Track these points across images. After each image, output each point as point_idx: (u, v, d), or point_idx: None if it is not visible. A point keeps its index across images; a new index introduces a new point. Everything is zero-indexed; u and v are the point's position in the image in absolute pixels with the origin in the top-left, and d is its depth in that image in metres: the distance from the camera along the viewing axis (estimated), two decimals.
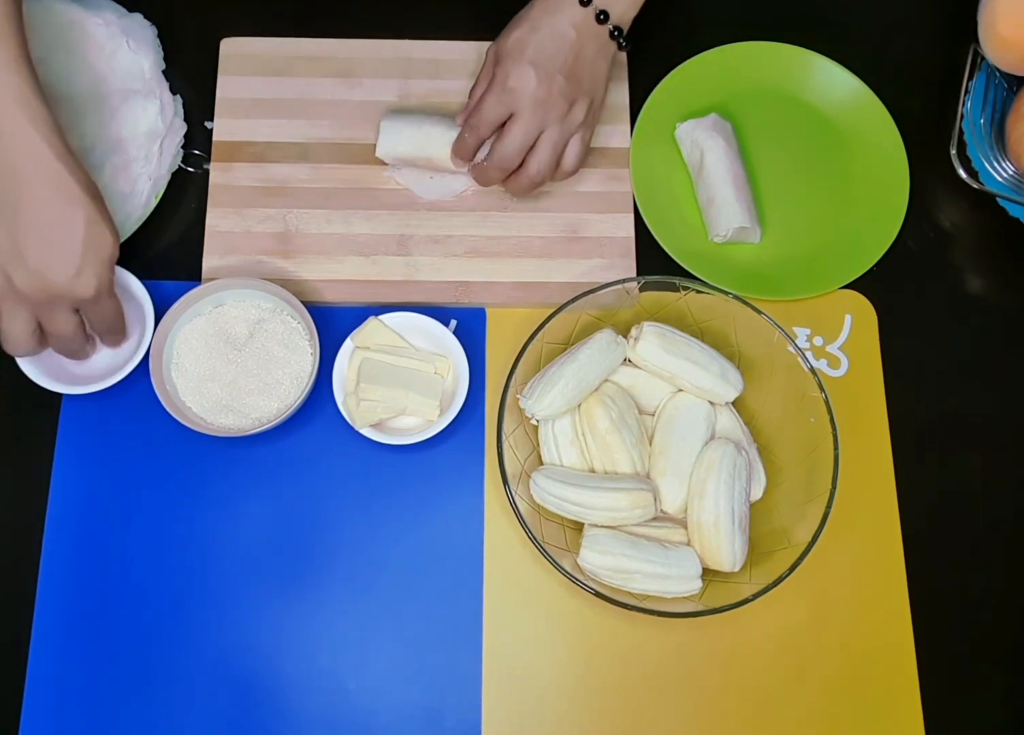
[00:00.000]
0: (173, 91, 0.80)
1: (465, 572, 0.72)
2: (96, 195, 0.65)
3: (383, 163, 0.81)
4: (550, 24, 0.70)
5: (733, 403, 0.74)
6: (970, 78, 0.81)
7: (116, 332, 0.72)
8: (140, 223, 0.78)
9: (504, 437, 0.69)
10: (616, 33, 0.72)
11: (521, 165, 0.74)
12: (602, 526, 0.69)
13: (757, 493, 0.71)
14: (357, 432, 0.72)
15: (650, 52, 0.85)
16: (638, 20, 0.73)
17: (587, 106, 0.73)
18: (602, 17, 0.70)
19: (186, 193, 0.81)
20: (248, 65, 0.83)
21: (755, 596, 0.65)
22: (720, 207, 0.78)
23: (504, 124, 0.72)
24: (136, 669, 0.69)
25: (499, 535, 0.73)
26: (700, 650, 0.71)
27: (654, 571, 0.67)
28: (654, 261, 0.79)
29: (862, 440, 0.76)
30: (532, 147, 0.73)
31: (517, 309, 0.79)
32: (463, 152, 0.75)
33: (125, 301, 0.75)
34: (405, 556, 0.72)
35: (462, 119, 0.75)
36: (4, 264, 0.63)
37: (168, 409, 0.70)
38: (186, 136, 0.80)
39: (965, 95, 0.81)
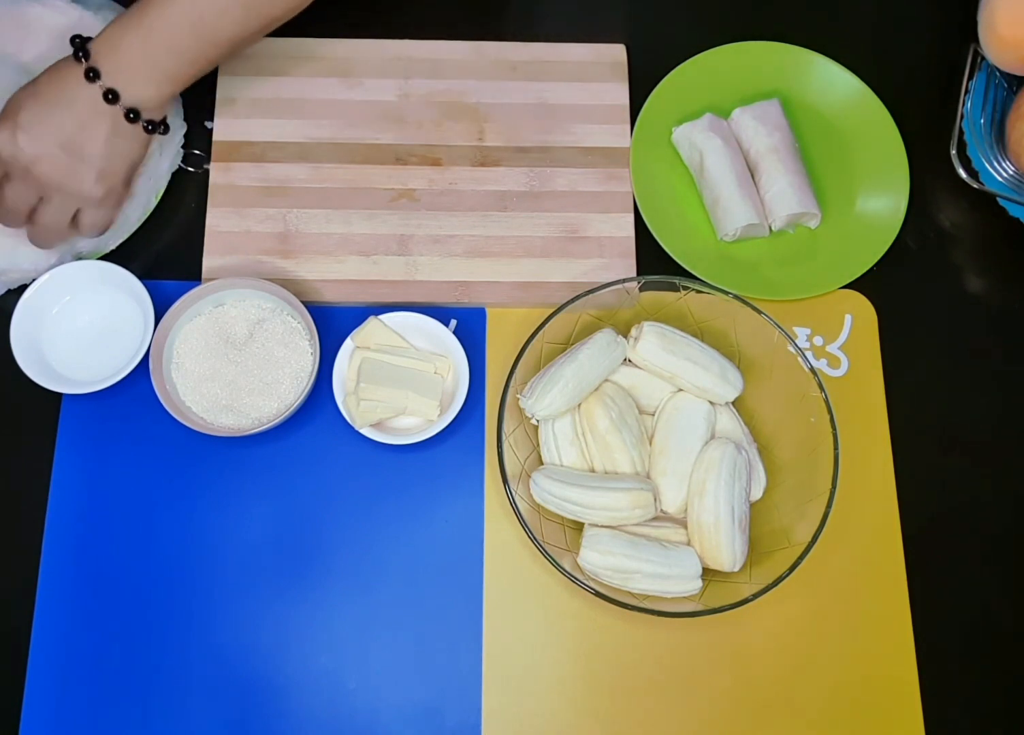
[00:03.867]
0: None
1: (465, 572, 0.72)
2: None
3: (384, 163, 0.81)
4: (58, 96, 0.66)
5: (733, 403, 0.74)
6: (970, 78, 0.81)
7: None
8: (140, 223, 0.78)
9: (504, 437, 0.69)
10: (150, 126, 0.69)
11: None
12: (602, 526, 0.69)
13: (757, 493, 0.71)
14: (357, 432, 0.72)
15: (650, 52, 0.85)
16: None
17: (95, 177, 0.68)
18: (111, 97, 0.66)
19: (186, 193, 0.81)
20: (248, 65, 0.83)
21: (755, 596, 0.65)
22: (726, 207, 0.78)
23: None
24: (136, 669, 0.69)
25: (499, 535, 0.73)
26: (700, 650, 0.71)
27: (654, 571, 0.67)
28: (654, 261, 0.79)
29: (862, 440, 0.76)
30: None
31: (517, 309, 0.79)
32: None
33: (125, 300, 0.75)
34: (405, 556, 0.72)
35: None
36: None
37: (168, 409, 0.70)
38: (186, 136, 0.80)
39: (965, 95, 0.81)
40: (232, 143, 0.81)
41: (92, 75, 0.66)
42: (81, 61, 0.66)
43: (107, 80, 0.66)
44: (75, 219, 0.72)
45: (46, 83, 0.67)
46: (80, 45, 0.67)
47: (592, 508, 0.68)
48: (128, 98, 0.67)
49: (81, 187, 0.68)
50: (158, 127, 0.71)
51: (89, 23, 0.78)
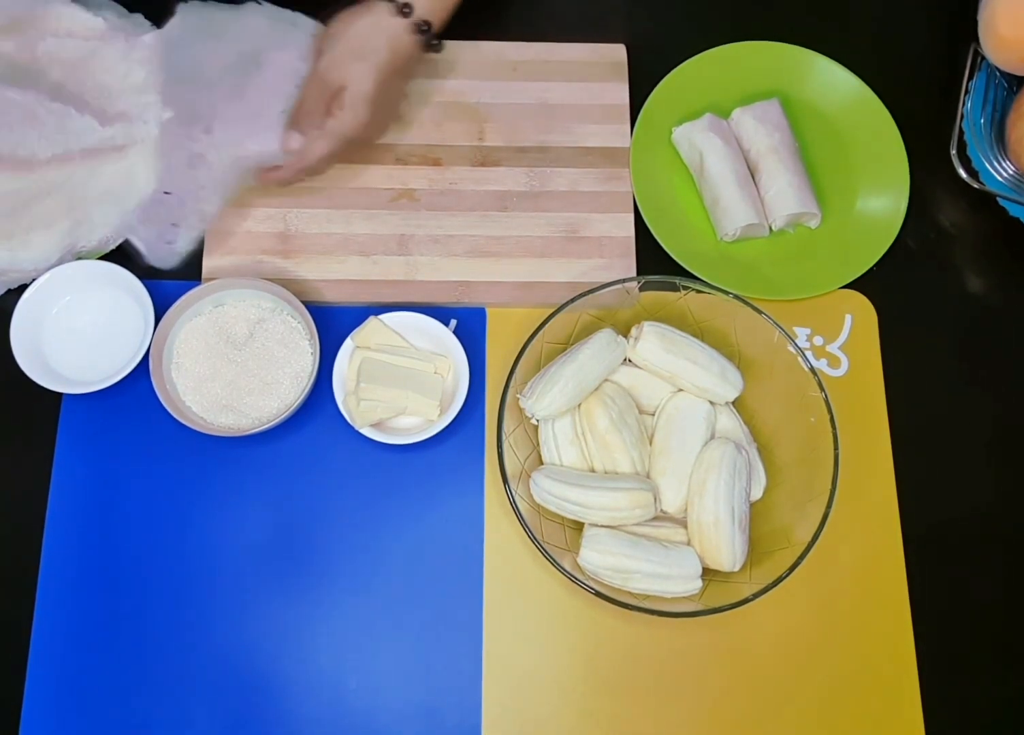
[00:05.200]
0: None
1: (465, 572, 0.72)
2: None
3: (384, 163, 0.81)
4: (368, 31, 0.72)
5: (733, 403, 0.74)
6: (970, 78, 0.81)
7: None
8: None
9: (504, 437, 0.69)
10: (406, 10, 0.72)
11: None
12: (602, 526, 0.69)
13: (757, 493, 0.71)
14: (357, 432, 0.72)
15: (650, 52, 0.85)
16: None
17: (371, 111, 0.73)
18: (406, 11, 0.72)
19: None
20: None
21: (755, 596, 0.65)
22: (726, 207, 0.78)
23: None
24: (136, 668, 0.69)
25: (499, 535, 0.73)
26: (700, 650, 0.71)
27: (654, 571, 0.67)
28: (654, 261, 0.79)
29: (862, 440, 0.76)
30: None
31: (517, 309, 0.79)
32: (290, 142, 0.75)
33: (125, 300, 0.75)
34: (405, 556, 0.72)
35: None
36: None
37: (168, 409, 0.70)
38: None
39: (965, 95, 0.81)
40: None
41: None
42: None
43: None
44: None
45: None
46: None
47: (592, 508, 0.68)
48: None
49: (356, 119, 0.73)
50: (429, 36, 0.74)
51: (107, 32, 0.78)
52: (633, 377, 0.74)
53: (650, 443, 0.73)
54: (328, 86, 0.72)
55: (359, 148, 0.77)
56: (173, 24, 0.77)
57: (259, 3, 0.77)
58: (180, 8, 0.77)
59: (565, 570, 0.66)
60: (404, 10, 0.72)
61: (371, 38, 0.72)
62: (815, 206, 0.79)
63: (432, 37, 0.74)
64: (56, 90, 0.75)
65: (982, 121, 0.81)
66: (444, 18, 0.75)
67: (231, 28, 0.76)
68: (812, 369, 0.70)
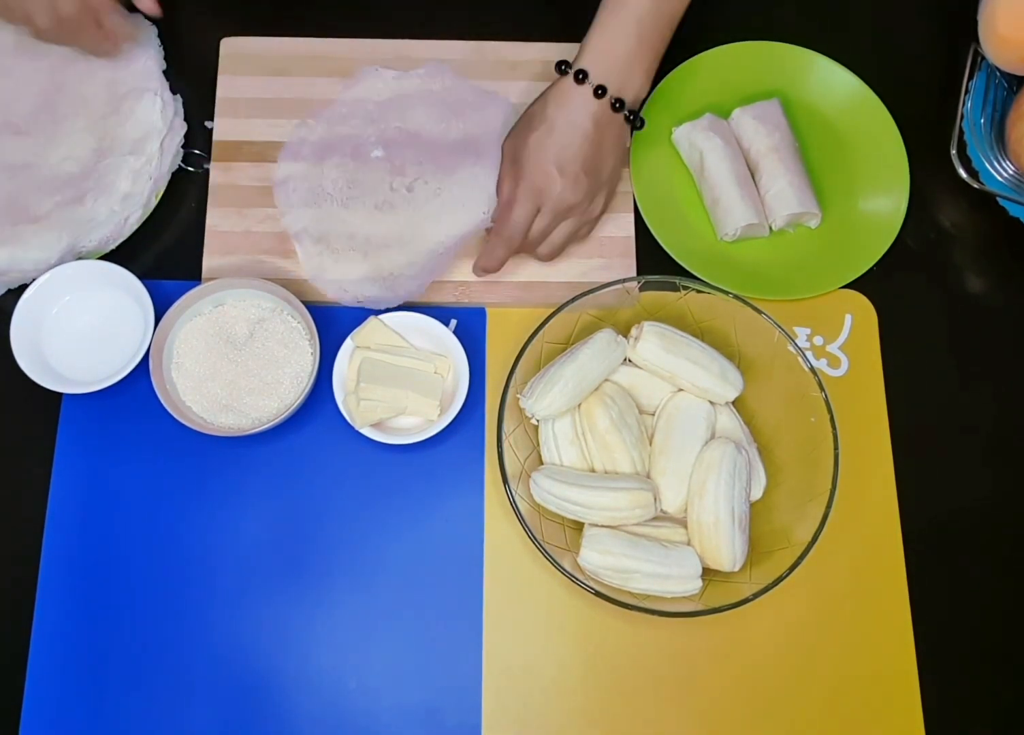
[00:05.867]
0: (173, 91, 0.80)
1: (465, 572, 0.72)
2: None
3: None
4: (568, 122, 0.69)
5: (733, 403, 0.74)
6: (970, 78, 0.81)
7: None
8: (140, 223, 0.78)
9: (504, 437, 0.69)
10: (631, 116, 0.72)
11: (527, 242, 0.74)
12: (602, 526, 0.69)
13: (757, 493, 0.71)
14: (357, 432, 0.72)
15: None
16: None
17: (605, 196, 0.75)
18: (617, 105, 0.70)
19: (186, 193, 0.81)
20: (248, 65, 0.83)
21: (755, 596, 0.65)
22: (726, 207, 0.78)
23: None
24: (136, 668, 0.69)
25: (499, 535, 0.73)
26: (700, 650, 0.71)
27: (654, 571, 0.67)
28: (654, 261, 0.79)
29: (862, 440, 0.76)
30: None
31: (517, 309, 0.79)
32: (493, 264, 0.73)
33: (125, 300, 0.75)
34: (405, 556, 0.72)
35: (491, 224, 0.75)
36: None
37: (168, 409, 0.70)
38: (186, 136, 0.80)
39: (965, 95, 0.81)
40: (232, 143, 0.81)
41: (581, 77, 0.69)
42: (568, 74, 0.70)
43: (613, 92, 0.69)
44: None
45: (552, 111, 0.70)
46: (564, 64, 0.70)
47: (592, 508, 0.68)
48: (613, 90, 0.69)
49: (596, 208, 0.75)
50: (636, 120, 0.72)
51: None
52: (633, 377, 0.74)
53: (650, 443, 0.73)
54: (540, 199, 0.71)
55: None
56: None
57: None
58: None
59: (565, 570, 0.66)
60: (615, 104, 0.70)
61: (590, 143, 0.70)
62: (815, 206, 0.79)
63: (634, 114, 0.72)
64: None
65: (982, 121, 0.81)
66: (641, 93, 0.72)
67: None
68: (812, 369, 0.70)
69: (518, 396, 0.71)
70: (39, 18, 0.71)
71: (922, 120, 0.84)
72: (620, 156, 0.74)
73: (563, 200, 0.71)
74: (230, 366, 0.73)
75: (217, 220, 0.79)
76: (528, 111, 0.73)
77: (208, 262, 0.78)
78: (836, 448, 0.68)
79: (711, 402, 0.73)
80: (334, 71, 0.83)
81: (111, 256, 0.77)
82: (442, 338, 0.75)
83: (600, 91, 0.69)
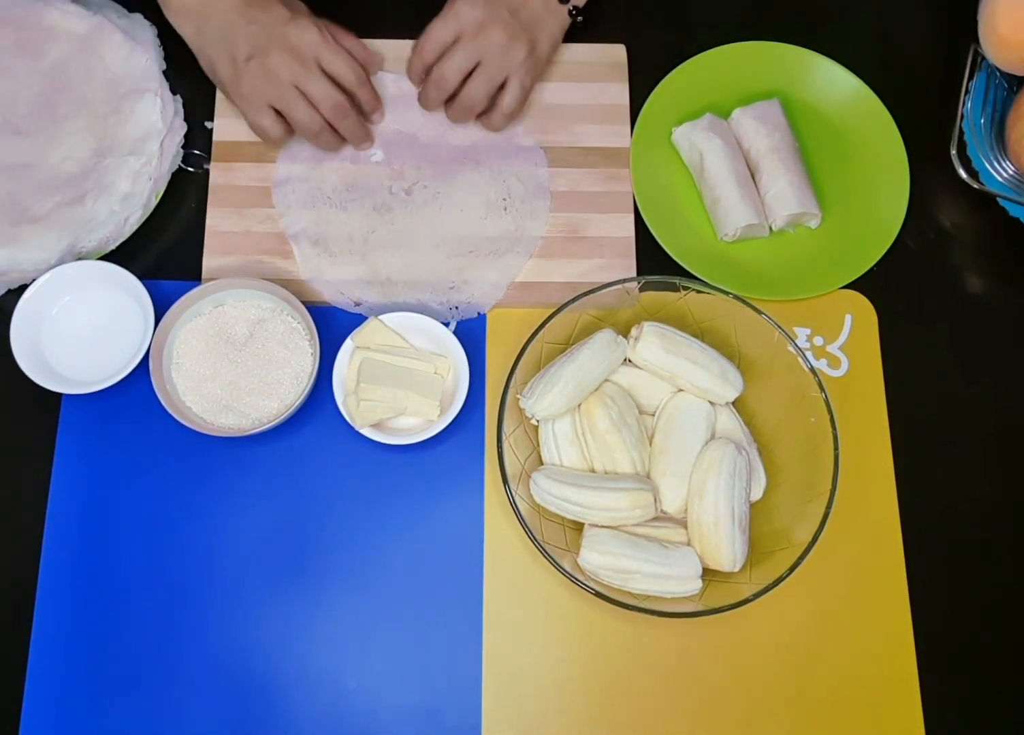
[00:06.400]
0: (173, 91, 0.80)
1: (465, 572, 0.72)
2: None
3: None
4: None
5: (733, 403, 0.74)
6: (970, 78, 0.81)
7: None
8: (140, 223, 0.78)
9: (504, 437, 0.69)
10: (573, 11, 0.78)
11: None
12: (602, 526, 0.69)
13: (757, 493, 0.71)
14: (357, 432, 0.72)
15: (650, 52, 0.85)
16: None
17: (526, 49, 0.76)
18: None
19: (186, 193, 0.81)
20: None
21: (755, 596, 0.65)
22: (726, 207, 0.78)
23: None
24: (136, 669, 0.69)
25: (499, 535, 0.73)
26: (700, 650, 0.71)
27: (654, 571, 0.67)
28: (654, 261, 0.79)
29: (862, 440, 0.76)
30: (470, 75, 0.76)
31: (517, 309, 0.79)
32: (410, 74, 0.80)
33: (125, 300, 0.75)
34: (405, 556, 0.72)
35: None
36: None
37: (168, 409, 0.70)
38: (186, 136, 0.80)
39: (965, 95, 0.81)
40: (232, 143, 0.81)
41: None
42: None
43: None
44: (495, 98, 0.78)
45: None
46: None
47: (592, 508, 0.68)
48: None
49: (518, 53, 0.76)
50: (578, 15, 0.79)
51: (107, 29, 0.78)
52: (633, 377, 0.74)
53: (650, 443, 0.73)
54: (482, 50, 0.75)
55: None
56: None
57: None
58: None
59: (565, 570, 0.66)
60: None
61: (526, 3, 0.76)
62: (815, 206, 0.79)
63: (577, 10, 0.79)
64: None
65: (982, 121, 0.81)
66: None
67: None
68: (812, 369, 0.70)
69: (518, 396, 0.71)
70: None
71: (922, 120, 0.84)
72: (550, 27, 0.79)
73: (477, 22, 0.74)
74: (230, 366, 0.73)
75: (217, 220, 0.79)
76: None
77: (208, 262, 0.78)
78: (836, 448, 0.68)
79: (711, 402, 0.73)
80: None
81: (111, 256, 0.77)
82: (442, 338, 0.75)
83: None
